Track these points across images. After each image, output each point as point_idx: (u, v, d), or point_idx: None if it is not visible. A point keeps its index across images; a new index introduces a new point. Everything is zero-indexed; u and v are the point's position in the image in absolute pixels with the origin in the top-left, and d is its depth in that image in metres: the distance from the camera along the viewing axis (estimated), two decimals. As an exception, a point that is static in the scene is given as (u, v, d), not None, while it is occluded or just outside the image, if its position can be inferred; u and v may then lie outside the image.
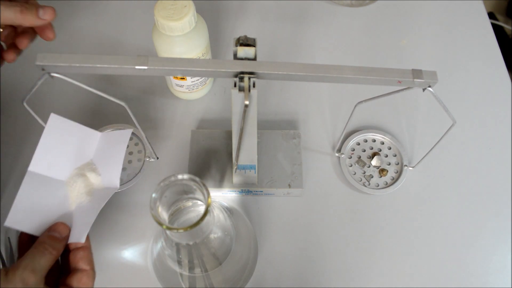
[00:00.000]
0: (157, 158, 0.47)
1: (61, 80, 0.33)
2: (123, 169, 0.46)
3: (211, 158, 0.46)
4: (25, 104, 0.34)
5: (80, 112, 0.51)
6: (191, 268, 0.33)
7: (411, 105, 0.52)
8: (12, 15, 0.34)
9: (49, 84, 0.35)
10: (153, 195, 0.27)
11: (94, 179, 0.37)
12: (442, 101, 0.35)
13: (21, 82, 0.52)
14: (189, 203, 0.31)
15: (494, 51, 0.57)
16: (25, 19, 0.35)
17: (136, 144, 0.48)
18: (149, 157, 0.47)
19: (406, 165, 0.47)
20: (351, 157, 0.48)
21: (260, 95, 0.52)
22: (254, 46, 0.33)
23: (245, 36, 0.33)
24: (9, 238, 0.40)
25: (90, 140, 0.38)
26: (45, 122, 0.36)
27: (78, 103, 0.52)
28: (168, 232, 0.28)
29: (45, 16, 0.36)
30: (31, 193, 0.34)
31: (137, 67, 0.32)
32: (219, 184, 0.45)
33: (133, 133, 0.48)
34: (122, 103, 0.35)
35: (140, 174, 0.46)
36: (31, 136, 0.49)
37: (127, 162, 0.47)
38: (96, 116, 0.51)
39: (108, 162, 0.37)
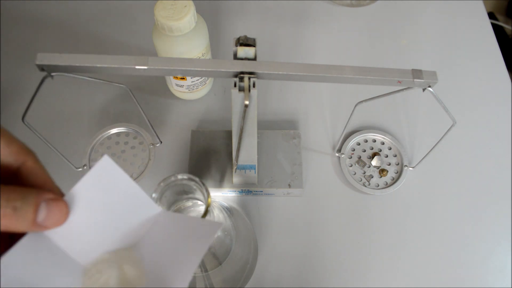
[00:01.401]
0: (161, 142, 0.48)
1: (59, 82, 0.33)
2: (131, 164, 0.47)
3: (211, 158, 0.46)
4: (25, 122, 0.33)
5: (79, 113, 0.51)
6: (191, 268, 0.33)
7: (411, 105, 0.52)
8: None
9: (48, 85, 0.35)
10: (153, 195, 0.27)
11: (135, 278, 0.23)
12: (442, 101, 0.35)
13: (22, 83, 0.52)
14: (189, 203, 0.31)
15: (494, 51, 0.57)
16: (9, 225, 0.20)
17: (135, 138, 0.49)
18: (153, 144, 0.48)
19: (406, 165, 0.47)
20: (351, 157, 0.48)
21: (260, 95, 0.52)
22: (254, 46, 0.33)
23: (245, 36, 0.33)
24: None
25: (143, 213, 0.25)
26: (49, 139, 0.29)
27: (78, 104, 0.52)
28: (168, 232, 0.28)
29: (48, 221, 0.22)
30: (24, 263, 0.21)
31: (137, 67, 0.32)
32: (219, 184, 0.45)
33: (130, 127, 0.49)
34: (123, 86, 0.36)
35: (151, 162, 0.47)
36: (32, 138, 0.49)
37: (132, 156, 0.47)
38: (96, 116, 0.51)
39: (170, 267, 0.23)
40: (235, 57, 0.33)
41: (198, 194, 0.28)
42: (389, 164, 0.48)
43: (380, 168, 0.47)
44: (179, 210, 0.31)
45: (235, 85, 0.33)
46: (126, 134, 0.49)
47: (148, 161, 0.47)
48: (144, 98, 0.52)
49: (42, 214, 0.21)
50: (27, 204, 0.21)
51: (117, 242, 0.24)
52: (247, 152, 0.41)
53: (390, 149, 0.49)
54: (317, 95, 0.53)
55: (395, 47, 0.57)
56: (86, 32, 0.57)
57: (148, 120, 0.42)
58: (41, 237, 0.22)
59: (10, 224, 0.20)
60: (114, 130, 0.49)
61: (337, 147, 0.48)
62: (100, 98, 0.52)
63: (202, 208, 0.31)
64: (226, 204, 0.40)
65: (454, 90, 0.54)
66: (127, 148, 0.48)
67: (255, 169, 0.43)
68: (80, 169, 0.46)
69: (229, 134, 0.48)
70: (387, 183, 0.47)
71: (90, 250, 0.23)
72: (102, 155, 0.46)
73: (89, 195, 0.23)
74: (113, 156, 0.47)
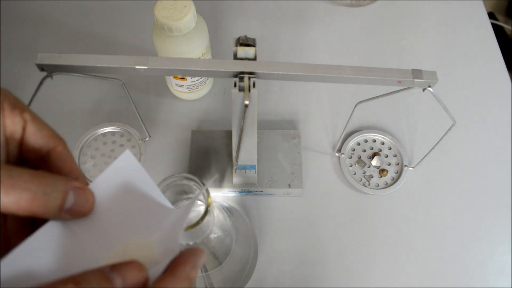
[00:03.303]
0: (149, 136, 0.48)
1: (58, 81, 0.33)
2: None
3: (211, 158, 0.46)
4: None
5: (78, 112, 0.51)
6: (191, 268, 0.33)
7: (411, 105, 0.52)
8: (12, 203, 0.19)
9: (46, 84, 0.35)
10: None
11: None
12: (442, 101, 0.35)
13: (22, 82, 0.52)
14: (189, 203, 0.31)
15: (494, 51, 0.57)
16: (37, 210, 0.20)
17: (122, 136, 0.49)
18: (142, 139, 0.48)
19: (406, 165, 0.47)
20: (351, 157, 0.48)
21: (260, 95, 0.52)
22: (254, 46, 0.33)
23: (245, 36, 0.33)
24: None
25: (158, 210, 0.25)
26: None
27: (77, 103, 0.52)
28: (168, 232, 0.28)
29: (73, 210, 0.22)
30: (46, 248, 0.22)
31: (137, 67, 0.32)
32: (219, 184, 0.45)
33: (116, 126, 0.49)
34: (117, 79, 0.36)
35: (143, 157, 0.47)
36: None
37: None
38: (95, 116, 0.51)
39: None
40: (235, 57, 0.33)
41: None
42: (389, 164, 0.48)
43: (380, 168, 0.47)
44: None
45: (235, 85, 0.33)
46: (112, 133, 0.49)
47: (140, 156, 0.47)
48: (143, 98, 0.52)
49: (69, 202, 0.21)
50: (57, 191, 0.21)
51: (135, 234, 0.24)
52: (247, 152, 0.41)
53: (390, 149, 0.49)
54: (317, 95, 0.53)
55: (395, 47, 0.57)
56: (86, 32, 0.57)
57: (138, 112, 0.42)
58: (62, 224, 0.22)
59: (39, 208, 0.20)
60: (99, 131, 0.49)
61: (337, 147, 0.48)
62: (86, 99, 0.52)
63: (202, 208, 0.31)
64: (226, 204, 0.40)
65: (454, 90, 0.54)
66: (115, 147, 0.48)
67: (255, 169, 0.43)
68: None
69: (229, 134, 0.48)
70: (387, 183, 0.47)
71: (108, 240, 0.24)
72: (92, 157, 0.47)
73: (110, 188, 0.24)
74: (103, 156, 0.47)
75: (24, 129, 0.22)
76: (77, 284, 0.18)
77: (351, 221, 0.45)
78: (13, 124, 0.21)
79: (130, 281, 0.20)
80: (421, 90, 0.34)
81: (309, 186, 0.47)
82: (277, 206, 0.46)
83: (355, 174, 0.47)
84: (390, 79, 0.33)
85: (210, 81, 0.52)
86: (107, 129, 0.49)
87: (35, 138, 0.22)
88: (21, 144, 0.22)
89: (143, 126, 0.45)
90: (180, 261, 0.21)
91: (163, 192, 0.27)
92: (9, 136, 0.22)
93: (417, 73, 0.33)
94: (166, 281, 0.20)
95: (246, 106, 0.32)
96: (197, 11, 0.43)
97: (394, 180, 0.47)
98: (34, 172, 0.20)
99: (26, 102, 0.33)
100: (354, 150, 0.49)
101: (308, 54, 0.56)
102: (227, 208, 0.38)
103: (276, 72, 0.32)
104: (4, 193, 0.19)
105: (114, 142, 0.48)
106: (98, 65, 0.32)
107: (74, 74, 0.33)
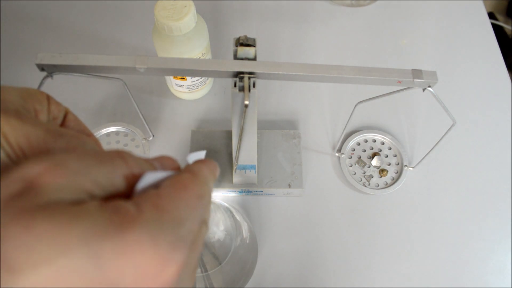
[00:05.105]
0: (153, 135, 0.48)
1: (61, 81, 0.33)
2: None
3: (211, 158, 0.46)
4: None
5: (81, 112, 0.51)
6: (191, 268, 0.33)
7: (411, 105, 0.52)
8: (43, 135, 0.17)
9: (47, 84, 0.35)
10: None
11: None
12: (442, 101, 0.35)
13: (22, 82, 0.52)
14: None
15: (494, 51, 0.57)
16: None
17: (126, 136, 0.49)
18: (145, 139, 0.48)
19: (406, 165, 0.47)
20: (351, 157, 0.48)
21: (260, 95, 0.52)
22: (254, 46, 0.33)
23: (245, 36, 0.33)
24: None
25: None
26: None
27: (80, 104, 0.52)
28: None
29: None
30: None
31: (137, 67, 0.32)
32: (219, 184, 0.45)
33: (120, 126, 0.49)
34: (119, 79, 0.36)
35: (147, 156, 0.47)
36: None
37: None
38: (98, 116, 0.51)
39: None
40: (235, 57, 0.33)
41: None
42: (389, 164, 0.48)
43: (380, 168, 0.47)
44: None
45: (235, 85, 0.33)
46: (116, 133, 0.49)
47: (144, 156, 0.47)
48: (144, 98, 0.52)
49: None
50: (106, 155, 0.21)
51: None
52: (247, 152, 0.41)
53: (390, 149, 0.49)
54: (317, 95, 0.53)
55: (395, 47, 0.57)
56: (86, 32, 0.57)
57: (141, 113, 0.42)
58: None
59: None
60: (103, 131, 0.49)
61: (337, 147, 0.48)
62: (89, 100, 0.52)
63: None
64: (226, 204, 0.40)
65: (454, 90, 0.54)
66: (119, 147, 0.48)
67: (255, 169, 0.43)
68: None
69: (229, 134, 0.48)
70: (387, 183, 0.47)
71: None
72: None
73: None
74: None
75: (65, 116, 0.24)
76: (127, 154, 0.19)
77: (351, 221, 0.45)
78: (57, 110, 0.23)
79: (166, 164, 0.22)
80: (421, 90, 0.34)
81: (309, 186, 0.47)
82: (277, 206, 0.46)
83: (355, 174, 0.47)
84: (390, 79, 0.33)
85: (210, 81, 0.52)
86: (111, 129, 0.49)
87: (75, 124, 0.24)
88: None
89: (146, 126, 0.45)
90: (203, 160, 0.23)
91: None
92: (51, 120, 0.23)
93: (417, 73, 0.33)
94: (196, 165, 0.22)
95: (246, 106, 0.32)
96: (197, 11, 0.43)
97: (394, 180, 0.47)
98: (79, 137, 0.22)
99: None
100: (354, 150, 0.49)
101: (308, 54, 0.56)
102: (227, 208, 0.38)
103: (276, 72, 0.32)
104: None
105: (118, 142, 0.48)
106: (98, 65, 0.32)
107: (74, 74, 0.33)
